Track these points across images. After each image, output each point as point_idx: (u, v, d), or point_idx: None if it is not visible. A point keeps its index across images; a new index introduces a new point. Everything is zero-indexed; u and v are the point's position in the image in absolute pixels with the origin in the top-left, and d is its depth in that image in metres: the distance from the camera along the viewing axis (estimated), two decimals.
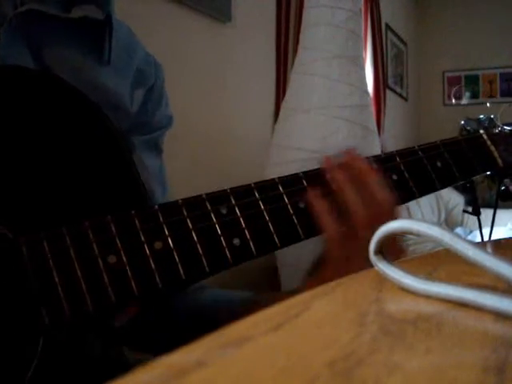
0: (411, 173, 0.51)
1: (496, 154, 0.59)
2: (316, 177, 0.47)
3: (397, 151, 0.52)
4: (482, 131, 0.60)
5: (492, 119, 0.63)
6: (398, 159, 0.52)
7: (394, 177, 0.51)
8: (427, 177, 0.53)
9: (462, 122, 0.63)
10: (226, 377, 0.14)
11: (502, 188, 0.62)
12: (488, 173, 0.60)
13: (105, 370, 0.50)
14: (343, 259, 0.45)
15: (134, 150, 0.58)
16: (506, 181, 0.63)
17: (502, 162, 0.59)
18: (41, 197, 0.39)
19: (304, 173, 0.46)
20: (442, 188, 0.54)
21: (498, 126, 0.62)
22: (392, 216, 0.46)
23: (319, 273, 0.48)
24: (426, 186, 0.53)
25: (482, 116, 0.63)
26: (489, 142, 0.59)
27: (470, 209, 1.80)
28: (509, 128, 0.62)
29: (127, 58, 0.59)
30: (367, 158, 0.51)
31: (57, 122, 0.42)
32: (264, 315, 0.20)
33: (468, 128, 0.63)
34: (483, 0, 4.58)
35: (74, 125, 0.43)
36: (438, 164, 0.53)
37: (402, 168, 0.51)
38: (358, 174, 0.48)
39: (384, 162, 0.51)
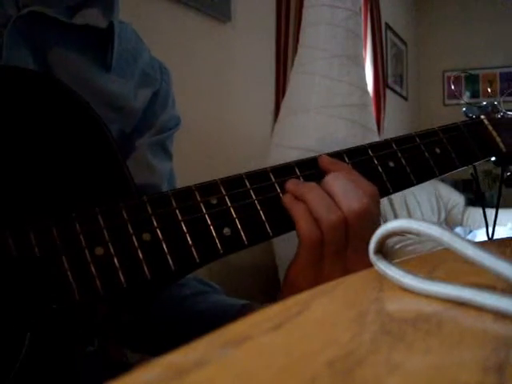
0: (408, 159, 0.51)
1: (498, 139, 0.57)
2: (309, 165, 0.47)
3: (392, 138, 0.52)
4: (482, 116, 0.58)
5: (495, 105, 0.60)
6: (394, 146, 0.51)
7: (391, 164, 0.50)
8: (425, 163, 0.52)
9: (464, 109, 0.61)
10: (226, 376, 0.14)
11: (508, 174, 0.60)
12: (492, 159, 0.58)
13: (104, 370, 0.50)
14: (312, 263, 0.43)
15: (139, 152, 0.58)
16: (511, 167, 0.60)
17: (505, 146, 0.57)
18: (30, 193, 0.39)
19: (296, 162, 0.46)
20: (441, 174, 0.53)
21: (501, 112, 0.60)
22: (363, 222, 0.42)
23: (286, 278, 0.45)
24: (424, 172, 0.52)
25: (484, 102, 0.61)
26: (490, 128, 0.57)
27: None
28: None
29: (132, 60, 0.59)
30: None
31: (45, 121, 0.42)
32: (264, 314, 0.20)
33: (470, 115, 0.60)
34: (483, 0, 4.58)
35: (63, 123, 0.43)
36: (437, 150, 0.53)
37: (399, 155, 0.51)
38: (324, 183, 0.44)
39: (380, 149, 0.50)
